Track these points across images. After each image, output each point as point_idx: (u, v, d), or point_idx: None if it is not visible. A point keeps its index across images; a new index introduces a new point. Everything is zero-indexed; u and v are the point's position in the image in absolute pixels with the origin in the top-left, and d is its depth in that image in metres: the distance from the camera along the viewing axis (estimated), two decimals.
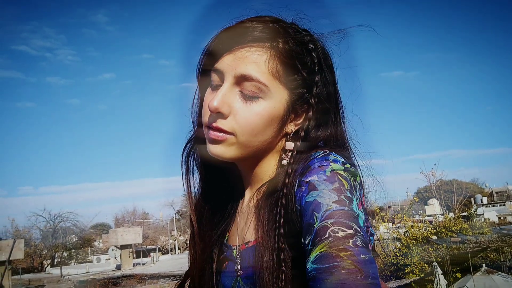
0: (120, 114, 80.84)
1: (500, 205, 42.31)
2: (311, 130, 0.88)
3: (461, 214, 19.01)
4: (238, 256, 0.92)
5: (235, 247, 0.94)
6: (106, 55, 78.93)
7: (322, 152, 0.81)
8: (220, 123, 0.84)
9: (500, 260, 11.23)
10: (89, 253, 38.06)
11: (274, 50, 0.83)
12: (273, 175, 0.90)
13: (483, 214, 25.60)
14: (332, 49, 0.92)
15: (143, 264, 27.20)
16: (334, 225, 0.68)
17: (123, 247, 23.28)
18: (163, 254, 36.45)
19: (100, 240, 37.52)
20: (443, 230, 13.15)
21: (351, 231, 0.67)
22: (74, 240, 35.76)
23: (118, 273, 20.68)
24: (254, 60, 0.82)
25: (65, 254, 32.59)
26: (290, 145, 0.88)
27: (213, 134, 0.85)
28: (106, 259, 29.49)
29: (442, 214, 19.77)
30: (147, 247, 36.45)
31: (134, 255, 25.91)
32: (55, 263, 30.13)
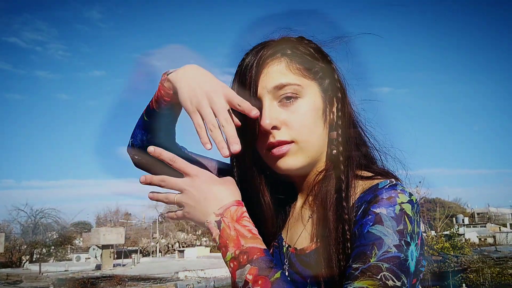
0: (109, 111, 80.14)
1: (481, 226, 42.72)
2: (350, 114, 0.96)
3: (443, 233, 19.21)
4: (286, 260, 0.96)
5: (286, 245, 0.98)
6: (98, 52, 78.50)
7: (388, 182, 0.85)
8: (278, 137, 0.90)
9: (479, 281, 11.36)
10: (69, 251, 37.58)
11: (287, 56, 0.93)
12: (325, 173, 0.93)
13: (464, 234, 25.86)
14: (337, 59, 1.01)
15: (123, 265, 26.93)
16: (387, 271, 0.74)
17: (104, 247, 23.03)
18: (144, 256, 36.14)
19: (81, 239, 37.06)
20: (425, 248, 13.25)
21: (399, 283, 0.73)
22: (55, 237, 35.27)
23: (97, 273, 20.44)
24: (276, 71, 0.91)
25: (44, 250, 32.13)
26: (333, 134, 0.93)
27: (277, 150, 0.90)
28: (86, 258, 29.12)
29: (425, 232, 19.92)
30: (128, 248, 36.11)
31: (115, 256, 25.65)
32: (33, 259, 29.70)
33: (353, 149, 0.92)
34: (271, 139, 0.90)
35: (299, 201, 1.01)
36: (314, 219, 0.93)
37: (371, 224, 0.78)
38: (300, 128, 0.89)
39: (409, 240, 0.77)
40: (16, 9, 70.07)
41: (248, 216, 0.84)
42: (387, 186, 0.83)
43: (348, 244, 0.82)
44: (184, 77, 0.89)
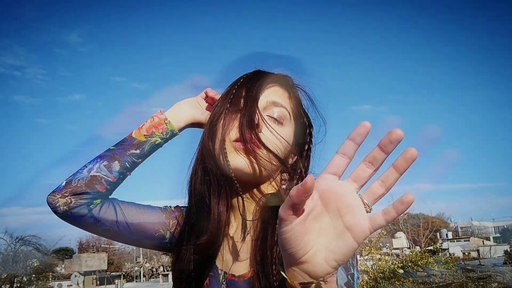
0: (89, 135, 79.55)
1: (464, 240, 43.05)
2: (306, 167, 1.02)
3: (427, 248, 19.28)
4: (224, 284, 0.95)
5: (222, 273, 0.97)
6: (78, 76, 78.04)
7: None
8: (255, 136, 0.93)
9: None
10: (50, 279, 36.73)
11: (291, 93, 1.05)
12: (269, 196, 0.97)
13: (448, 248, 26.02)
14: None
15: None
16: None
17: (86, 273, 22.65)
18: (128, 281, 35.50)
19: (63, 265, 36.30)
20: (410, 264, 13.29)
21: None
22: (36, 264, 34.46)
23: None
24: (281, 95, 1.02)
25: (25, 279, 31.33)
26: (285, 176, 0.99)
27: (248, 144, 0.93)
28: (68, 286, 28.50)
29: (409, 248, 20.02)
30: (112, 273, 35.45)
31: (98, 282, 25.14)
32: None
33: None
34: (247, 134, 0.93)
35: (234, 225, 1.00)
36: (251, 243, 0.93)
37: None
38: (273, 143, 0.95)
39: (353, 272, 0.82)
40: None
41: None
42: None
43: None
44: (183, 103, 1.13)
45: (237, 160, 0.93)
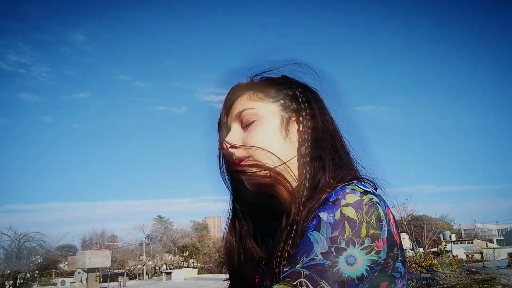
0: (94, 134, 79.86)
1: (468, 243, 42.96)
2: (313, 132, 0.96)
3: (431, 250, 19.28)
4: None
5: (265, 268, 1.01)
6: (82, 74, 78.37)
7: (347, 183, 0.86)
8: (238, 154, 0.97)
9: None
10: (54, 276, 36.85)
11: (250, 89, 1.02)
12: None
13: (451, 250, 25.96)
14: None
15: None
16: (305, 278, 0.75)
17: (90, 270, 22.64)
18: (130, 279, 35.59)
19: (66, 262, 36.37)
20: (414, 265, 13.29)
21: None
22: (39, 261, 34.56)
23: None
24: (240, 102, 1.01)
25: (28, 275, 31.43)
26: (303, 149, 0.95)
27: (239, 166, 0.97)
28: (71, 282, 28.59)
29: (413, 249, 20.00)
30: (115, 271, 35.55)
31: (101, 279, 25.20)
32: (17, 285, 29.02)
33: (326, 161, 0.93)
34: (234, 158, 0.97)
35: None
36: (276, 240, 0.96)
37: (312, 229, 0.80)
38: (258, 143, 0.95)
39: (343, 246, 0.76)
40: None
41: None
42: (338, 188, 0.84)
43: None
44: None
45: (247, 178, 0.97)
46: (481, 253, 31.86)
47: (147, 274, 38.63)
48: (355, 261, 0.76)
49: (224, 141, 0.99)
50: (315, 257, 0.76)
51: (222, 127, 1.05)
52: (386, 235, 0.79)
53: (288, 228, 0.88)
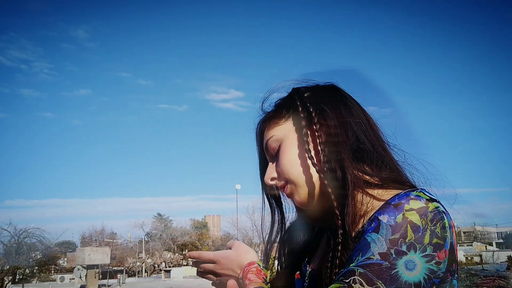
0: (95, 131, 79.92)
1: (467, 245, 42.97)
2: (327, 134, 0.91)
3: None
4: (307, 277, 1.00)
5: (310, 268, 1.01)
6: (84, 71, 78.29)
7: (411, 189, 0.82)
8: (279, 184, 1.00)
9: None
10: (53, 272, 36.91)
11: (266, 121, 1.02)
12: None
13: None
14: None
15: (109, 285, 26.53)
16: (360, 276, 0.73)
17: (89, 267, 22.67)
18: (129, 276, 35.64)
19: (65, 259, 36.41)
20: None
21: None
22: (38, 257, 34.60)
23: None
24: (264, 137, 1.02)
25: (27, 271, 31.47)
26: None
27: (286, 194, 1.00)
28: (70, 279, 28.65)
29: None
30: (114, 268, 35.57)
31: (100, 276, 25.21)
32: (16, 280, 29.05)
33: (349, 165, 0.88)
34: (278, 192, 1.05)
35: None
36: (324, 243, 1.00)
37: (370, 231, 0.77)
38: (284, 168, 0.95)
39: (404, 250, 0.73)
40: (0, 27, 69.86)
41: (253, 270, 0.99)
42: (402, 193, 0.80)
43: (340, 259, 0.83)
44: None
45: (295, 203, 1.01)
46: (480, 255, 31.83)
47: (146, 271, 38.67)
48: (414, 266, 0.73)
49: (265, 176, 1.01)
50: (372, 257, 0.74)
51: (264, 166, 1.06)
52: (448, 248, 0.76)
53: (335, 237, 0.85)
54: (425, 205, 0.77)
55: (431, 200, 0.78)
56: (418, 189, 0.82)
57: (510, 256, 20.88)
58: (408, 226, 0.75)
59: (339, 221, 0.84)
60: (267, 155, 1.02)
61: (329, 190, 0.86)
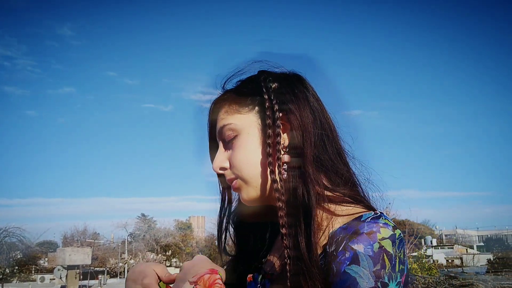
0: (79, 129, 79.14)
1: (448, 248, 43.44)
2: (297, 140, 0.88)
3: (411, 254, 19.42)
4: (260, 283, 0.97)
5: (263, 272, 0.98)
6: (69, 69, 77.53)
7: (372, 213, 0.81)
8: (227, 176, 0.96)
9: None
10: (33, 272, 36.41)
11: (226, 101, 0.97)
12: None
13: (432, 255, 26.22)
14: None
15: (89, 286, 26.25)
16: None
17: (70, 267, 22.38)
18: (111, 277, 35.31)
19: (46, 259, 35.94)
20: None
21: None
22: (19, 256, 34.12)
23: None
24: (219, 118, 0.97)
25: (7, 270, 31.01)
26: (284, 157, 0.89)
27: (232, 187, 0.96)
28: (50, 279, 28.29)
29: None
30: (95, 269, 35.20)
31: (81, 277, 24.94)
32: None
33: (310, 170, 0.86)
34: (226, 179, 0.97)
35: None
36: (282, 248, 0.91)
37: (348, 263, 0.76)
38: (239, 164, 0.92)
39: (386, 281, 0.74)
40: None
41: (220, 282, 0.85)
42: (369, 219, 0.80)
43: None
44: None
45: (241, 198, 0.97)
46: (461, 258, 32.21)
47: (128, 272, 38.37)
48: None
49: (213, 165, 0.97)
50: None
51: (212, 146, 1.01)
52: (406, 271, 0.79)
53: (287, 256, 0.83)
54: (393, 233, 0.78)
55: (394, 227, 0.80)
56: (378, 212, 0.82)
57: (490, 259, 21.16)
58: (384, 255, 0.76)
59: (295, 240, 0.82)
60: (219, 138, 0.97)
61: (286, 208, 0.85)
